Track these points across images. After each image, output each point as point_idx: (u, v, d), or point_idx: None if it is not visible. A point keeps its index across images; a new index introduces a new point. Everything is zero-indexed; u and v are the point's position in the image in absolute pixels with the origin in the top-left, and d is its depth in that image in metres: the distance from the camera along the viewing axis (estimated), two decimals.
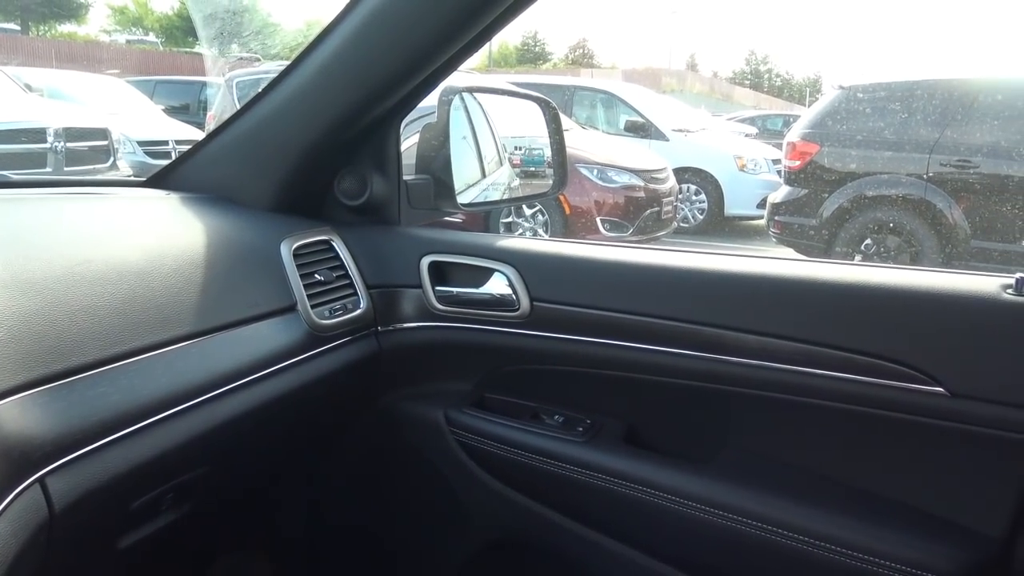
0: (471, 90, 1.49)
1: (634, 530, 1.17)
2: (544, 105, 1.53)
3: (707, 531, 1.08)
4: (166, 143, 8.95)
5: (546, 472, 1.18)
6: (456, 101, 1.40)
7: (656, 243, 7.17)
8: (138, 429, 0.88)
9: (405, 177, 1.34)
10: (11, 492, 0.75)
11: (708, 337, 1.09)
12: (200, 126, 9.74)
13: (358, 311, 1.21)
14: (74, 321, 0.86)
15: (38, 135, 6.84)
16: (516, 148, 1.97)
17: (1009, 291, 0.97)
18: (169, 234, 1.08)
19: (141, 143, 8.65)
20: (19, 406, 0.78)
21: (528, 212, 6.91)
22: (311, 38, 1.20)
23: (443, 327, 1.26)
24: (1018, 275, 0.98)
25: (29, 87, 8.57)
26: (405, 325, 1.27)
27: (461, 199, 1.41)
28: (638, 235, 6.95)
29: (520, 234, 6.82)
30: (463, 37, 1.12)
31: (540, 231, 6.89)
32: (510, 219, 6.96)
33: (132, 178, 1.39)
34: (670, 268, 1.15)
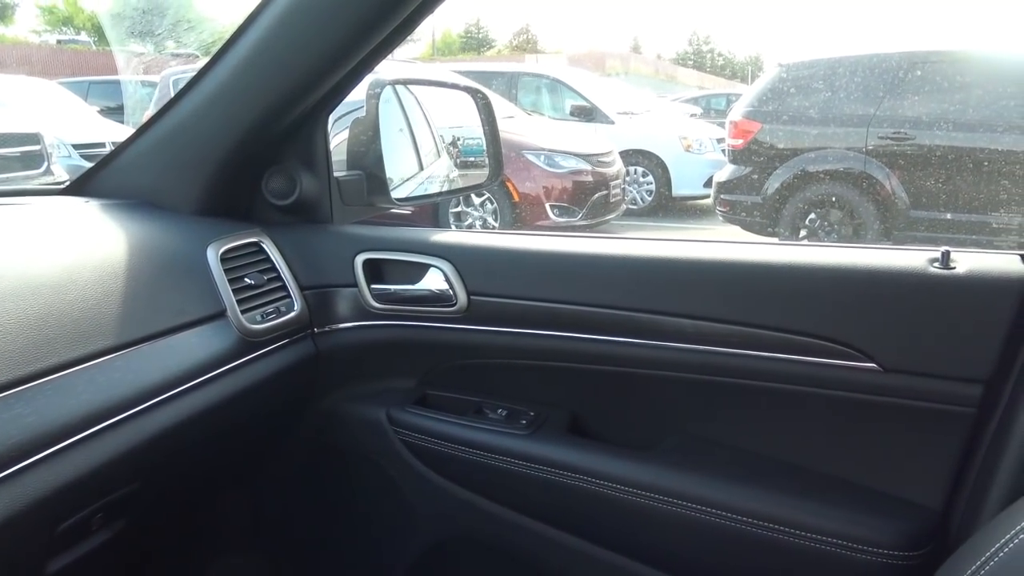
0: (400, 82, 1.46)
1: (581, 521, 1.16)
2: (475, 94, 1.51)
3: (653, 518, 1.08)
4: (103, 145, 8.71)
5: (491, 467, 1.17)
6: (387, 94, 1.37)
7: (605, 227, 7.20)
8: (59, 449, 0.84)
9: (336, 174, 1.31)
10: None
11: (645, 323, 1.08)
12: (136, 127, 9.49)
13: (292, 314, 1.18)
14: None
15: None
16: (454, 138, 1.95)
17: (936, 264, 0.98)
18: (87, 244, 1.04)
19: (76, 146, 8.40)
20: None
21: (477, 201, 6.88)
22: (229, 33, 1.16)
23: (381, 326, 1.23)
24: (943, 249, 0.99)
25: None
26: (342, 325, 1.24)
27: (396, 194, 1.38)
28: (588, 219, 6.97)
29: (469, 224, 6.79)
30: (384, 28, 1.09)
31: (489, 219, 6.87)
32: (459, 208, 6.92)
33: (48, 186, 1.33)
34: (604, 256, 1.14)
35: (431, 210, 6.71)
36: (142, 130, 1.26)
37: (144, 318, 0.99)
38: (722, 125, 8.50)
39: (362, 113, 1.34)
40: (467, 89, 1.53)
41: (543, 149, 7.04)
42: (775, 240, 5.97)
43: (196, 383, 1.01)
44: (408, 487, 1.27)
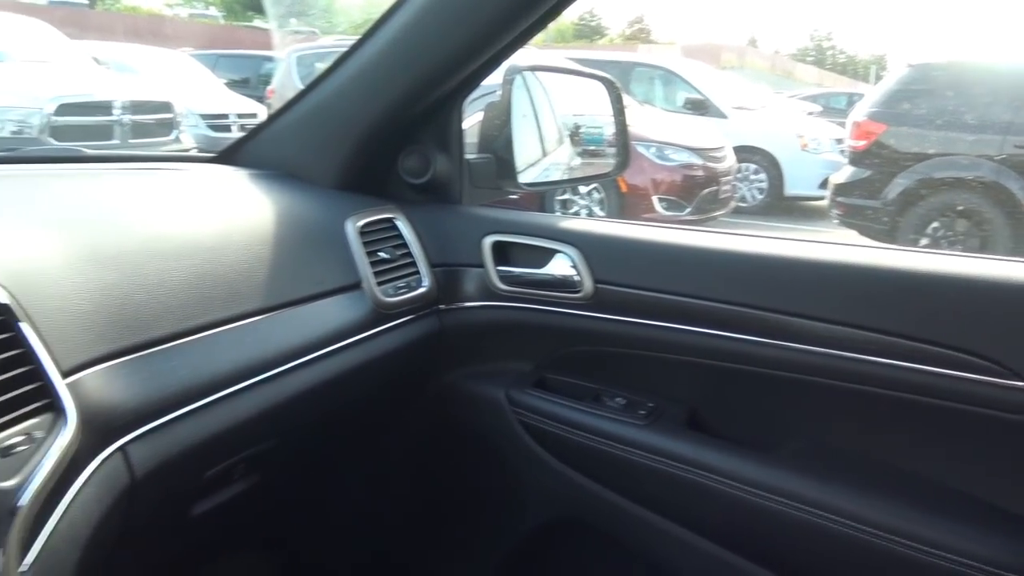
0: (534, 69, 1.48)
1: (694, 514, 1.16)
2: (608, 85, 1.51)
3: (768, 518, 1.07)
4: (227, 116, 9.11)
5: (606, 454, 1.18)
6: (519, 80, 1.40)
7: (713, 224, 7.07)
8: (210, 402, 0.90)
9: (467, 156, 1.35)
10: (96, 458, 0.78)
11: (775, 323, 1.07)
12: (260, 100, 9.87)
13: (421, 289, 1.22)
14: (150, 295, 0.89)
15: (105, 108, 7.02)
16: (576, 126, 1.96)
17: None
18: (238, 210, 1.10)
19: (203, 116, 8.81)
20: (102, 376, 0.81)
21: (584, 190, 6.87)
22: (376, 16, 1.20)
23: (505, 307, 1.26)
24: None
25: (97, 61, 8.79)
26: (467, 304, 1.28)
27: (522, 178, 1.41)
28: (695, 215, 6.86)
29: (575, 212, 6.79)
30: (529, 16, 1.11)
31: (596, 208, 6.85)
32: (565, 196, 6.92)
33: (202, 154, 1.41)
34: (737, 253, 1.13)
35: (538, 197, 6.74)
36: (289, 105, 1.32)
37: (287, 284, 1.05)
38: (842, 125, 8.21)
39: (495, 97, 1.37)
40: (600, 78, 1.54)
41: (654, 141, 6.96)
42: (900, 246, 5.73)
43: (332, 349, 1.06)
44: (522, 467, 1.29)
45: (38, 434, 0.72)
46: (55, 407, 0.74)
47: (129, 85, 7.68)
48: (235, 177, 1.24)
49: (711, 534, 1.16)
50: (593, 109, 1.79)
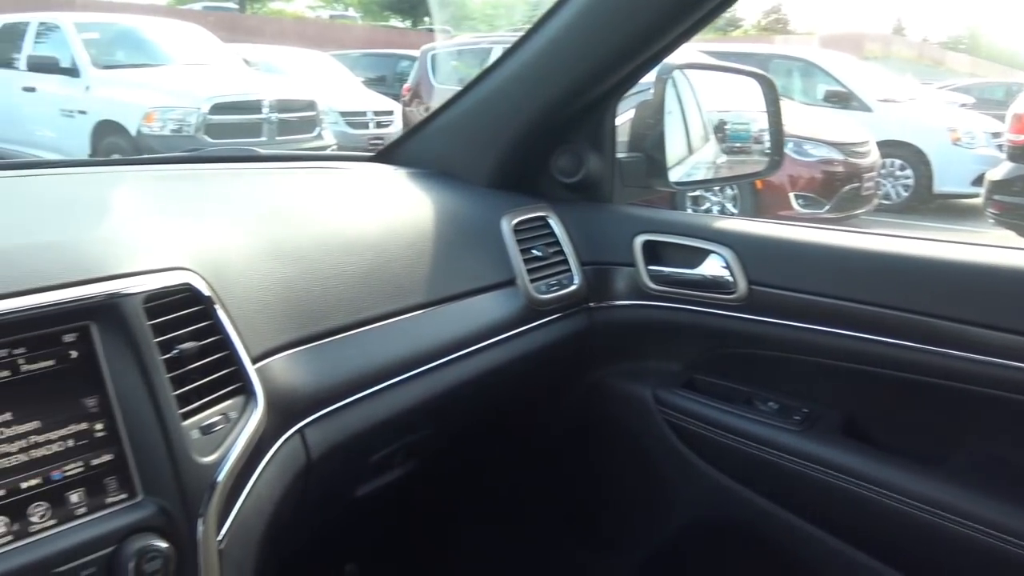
0: (689, 67, 1.46)
1: (848, 524, 1.13)
2: (764, 82, 1.48)
3: (933, 535, 1.02)
4: (364, 114, 9.45)
5: (757, 458, 1.16)
6: (671, 78, 1.39)
7: (854, 223, 6.76)
8: (377, 390, 0.95)
9: (618, 155, 1.35)
10: (279, 439, 0.84)
11: (944, 331, 1.02)
12: (396, 97, 10.17)
13: (572, 287, 1.24)
14: (326, 288, 0.95)
15: (255, 107, 7.44)
16: (720, 123, 1.92)
17: None
18: (401, 208, 1.15)
19: (343, 114, 9.17)
20: (285, 363, 0.86)
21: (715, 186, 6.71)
22: (535, 17, 1.23)
23: (655, 306, 1.26)
24: None
25: (247, 62, 9.31)
26: (617, 303, 1.28)
27: (672, 177, 1.40)
28: (835, 212, 6.58)
29: (707, 208, 6.65)
30: (693, 15, 1.11)
31: (729, 206, 6.68)
32: (697, 192, 6.79)
33: (362, 153, 1.48)
34: (899, 255, 1.09)
35: (669, 194, 6.64)
36: (445, 106, 1.36)
37: (447, 280, 1.09)
38: (998, 117, 7.66)
39: (647, 96, 1.37)
40: (753, 75, 1.51)
41: (792, 136, 6.71)
42: None
43: (488, 343, 1.10)
44: (668, 467, 1.29)
45: (232, 415, 0.78)
46: (246, 391, 0.80)
47: (276, 85, 8.10)
48: (395, 176, 1.29)
49: (865, 546, 1.12)
50: (739, 105, 1.75)
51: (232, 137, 7.04)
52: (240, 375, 0.79)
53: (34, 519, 0.65)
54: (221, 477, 0.74)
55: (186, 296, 0.77)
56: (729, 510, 1.25)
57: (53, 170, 1.14)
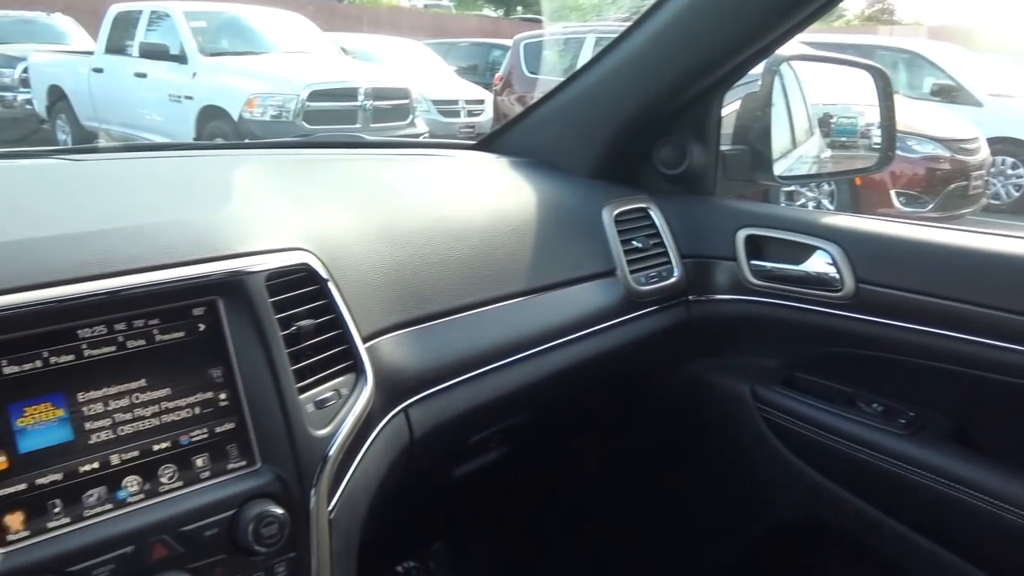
0: (799, 59, 1.43)
1: (955, 534, 1.09)
2: (877, 75, 1.44)
3: None
4: (456, 102, 9.54)
5: (859, 461, 1.14)
6: (780, 70, 1.36)
7: (960, 222, 6.47)
8: (479, 374, 0.97)
9: (721, 147, 1.33)
10: (385, 417, 0.87)
11: None
12: (487, 86, 10.23)
13: (672, 280, 1.23)
14: (432, 272, 0.97)
15: (351, 95, 7.61)
16: (825, 116, 1.87)
17: None
18: (504, 196, 1.17)
19: (435, 102, 9.28)
20: (392, 343, 0.89)
21: None
22: (642, 8, 1.22)
23: (755, 302, 1.24)
24: None
25: (344, 50, 9.52)
26: (717, 297, 1.27)
27: (776, 171, 1.37)
28: (939, 211, 6.31)
29: (802, 204, 6.47)
30: (807, 7, 1.08)
31: (825, 201, 6.49)
32: (792, 187, 6.61)
33: (464, 141, 1.50)
34: (1018, 257, 1.04)
35: (762, 189, 6.48)
36: (549, 95, 1.37)
37: (549, 268, 1.10)
38: None
39: (752, 87, 1.34)
40: (867, 67, 1.46)
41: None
42: None
43: (586, 333, 1.11)
44: (762, 465, 1.27)
45: (344, 391, 0.81)
46: (357, 368, 0.83)
47: (372, 73, 8.26)
48: (497, 164, 1.31)
49: (974, 559, 1.08)
50: (846, 98, 1.70)
51: (328, 124, 7.22)
52: (352, 353, 0.82)
53: (163, 480, 0.70)
54: (333, 450, 0.77)
55: (303, 276, 0.80)
56: (825, 512, 1.22)
57: (173, 152, 1.20)
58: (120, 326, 0.69)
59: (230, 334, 0.74)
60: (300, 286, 0.80)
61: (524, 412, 1.10)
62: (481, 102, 9.76)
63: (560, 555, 1.56)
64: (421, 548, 1.50)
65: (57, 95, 9.08)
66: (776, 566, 1.36)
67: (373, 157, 1.29)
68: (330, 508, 0.78)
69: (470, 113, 9.52)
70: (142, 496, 0.68)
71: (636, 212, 1.25)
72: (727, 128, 1.36)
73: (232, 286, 0.75)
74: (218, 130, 7.41)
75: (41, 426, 0.65)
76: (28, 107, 9.69)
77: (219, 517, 0.70)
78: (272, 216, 0.86)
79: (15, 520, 0.62)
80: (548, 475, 1.47)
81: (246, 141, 1.72)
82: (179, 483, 0.70)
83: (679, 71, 1.20)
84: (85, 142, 8.21)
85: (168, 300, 0.71)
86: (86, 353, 0.67)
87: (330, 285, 0.82)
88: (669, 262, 1.24)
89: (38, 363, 0.65)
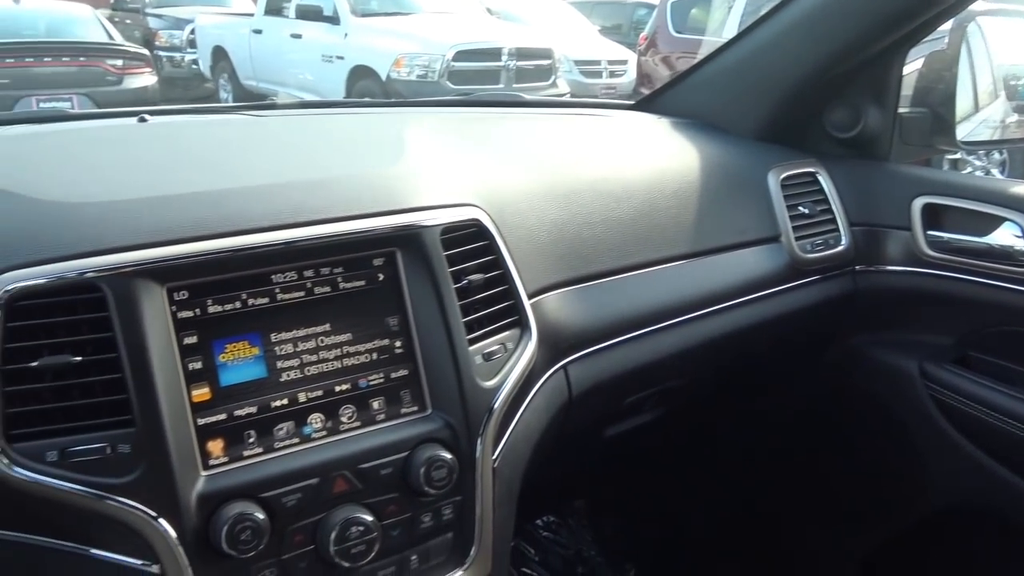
0: (993, 13, 1.32)
1: None
2: None
3: None
4: (599, 62, 9.40)
5: None
6: (971, 28, 1.27)
7: None
8: (638, 336, 0.97)
9: (900, 110, 1.26)
10: (546, 373, 0.88)
11: None
12: (632, 47, 10.03)
13: (839, 248, 1.18)
14: (594, 232, 0.97)
15: (495, 55, 7.64)
16: (1015, 78, 1.73)
17: None
18: (667, 157, 1.15)
19: (577, 62, 9.18)
20: (555, 301, 0.90)
21: None
22: None
23: (931, 275, 1.17)
24: None
25: (489, 10, 9.55)
26: (887, 268, 1.21)
27: (958, 135, 1.29)
28: None
29: (970, 172, 6.02)
30: None
31: (994, 171, 6.01)
32: (958, 155, 6.16)
33: (622, 101, 1.48)
34: None
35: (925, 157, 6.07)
36: (713, 55, 1.33)
37: (711, 231, 1.08)
38: None
39: (937, 45, 1.26)
40: None
41: None
42: None
43: (746, 299, 1.08)
44: (928, 446, 1.21)
45: (509, 345, 0.83)
46: (521, 324, 0.84)
47: (515, 33, 8.26)
48: (658, 124, 1.29)
49: None
50: None
51: (472, 84, 7.29)
52: (517, 309, 0.84)
53: (343, 419, 0.74)
54: (499, 402, 0.79)
55: (474, 231, 0.82)
56: (994, 497, 1.16)
57: (343, 110, 1.25)
58: (308, 273, 0.73)
59: (407, 284, 0.77)
60: (471, 241, 0.82)
61: (680, 376, 1.09)
62: (624, 62, 9.57)
63: (700, 522, 1.55)
64: (562, 503, 1.52)
65: (220, 55, 9.59)
66: (933, 550, 1.30)
67: (535, 116, 1.29)
68: (494, 457, 0.80)
69: (612, 74, 9.37)
70: (325, 433, 0.73)
71: (804, 176, 1.20)
72: (906, 89, 1.28)
73: (410, 238, 0.77)
74: (366, 89, 7.63)
75: (239, 363, 0.70)
76: (194, 67, 10.30)
77: (393, 458, 0.73)
78: (444, 172, 0.88)
79: (216, 447, 0.68)
80: (698, 441, 1.46)
81: (411, 99, 1.77)
82: (357, 423, 0.74)
83: (859, 29, 1.13)
84: (244, 100, 8.65)
85: (352, 250, 0.75)
86: (279, 297, 0.72)
87: (498, 241, 0.84)
88: (837, 229, 1.19)
89: (237, 304, 0.70)
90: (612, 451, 1.19)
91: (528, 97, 1.42)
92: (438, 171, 0.88)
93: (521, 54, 7.75)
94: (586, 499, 1.60)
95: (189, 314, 0.68)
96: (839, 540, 1.38)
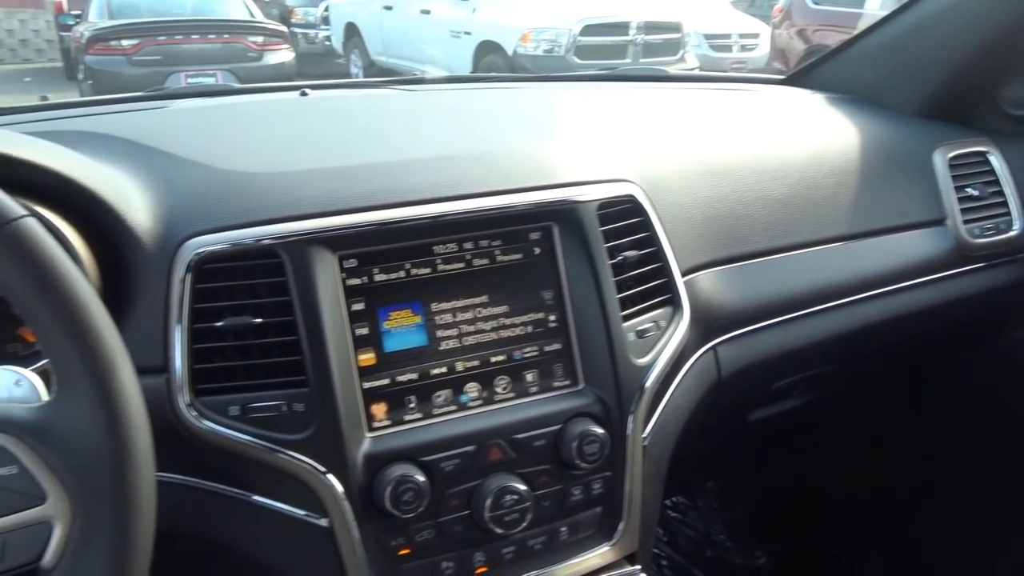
0: None
1: None
2: None
3: None
4: (729, 36, 9.09)
5: None
6: None
7: None
8: (790, 319, 0.94)
9: None
10: (697, 353, 0.87)
11: None
12: (765, 19, 9.66)
13: (1011, 233, 1.11)
14: (747, 210, 0.94)
15: (622, 29, 7.52)
16: None
17: None
18: (823, 134, 1.10)
19: (707, 36, 8.91)
20: (707, 280, 0.89)
21: None
22: None
23: None
24: None
25: None
26: None
27: None
28: None
29: None
30: None
31: None
32: None
33: (771, 76, 1.43)
34: None
35: None
36: (873, 28, 1.26)
37: (871, 213, 1.03)
38: None
39: None
40: None
41: None
42: None
43: (907, 285, 1.03)
44: None
45: (662, 324, 0.82)
46: (674, 302, 0.83)
47: (644, 6, 8.09)
48: (812, 100, 1.24)
49: None
50: None
51: (599, 58, 7.20)
52: (671, 287, 0.83)
53: (498, 390, 0.75)
54: (651, 380, 0.79)
55: (629, 207, 0.82)
56: None
57: (486, 84, 1.26)
58: (468, 245, 0.75)
59: (562, 259, 0.77)
60: (626, 217, 0.81)
61: (832, 362, 1.05)
62: (756, 36, 9.22)
63: (840, 519, 1.49)
64: (695, 484, 1.51)
65: (352, 32, 9.86)
66: None
67: (681, 91, 1.27)
68: (644, 435, 0.80)
69: (743, 48, 9.04)
70: (480, 402, 0.74)
71: (973, 156, 1.13)
72: None
73: (567, 213, 0.78)
74: (492, 64, 7.67)
75: (402, 330, 0.72)
76: (327, 43, 10.64)
77: (547, 430, 0.74)
78: (599, 147, 0.88)
79: (379, 410, 0.71)
80: (844, 431, 1.40)
81: (555, 74, 1.77)
82: (511, 394, 0.75)
83: None
84: (374, 76, 8.87)
85: (510, 223, 0.76)
86: (440, 268, 0.74)
87: (653, 217, 0.83)
88: (1008, 213, 1.12)
89: (401, 273, 0.72)
90: (754, 434, 1.17)
91: (672, 71, 1.39)
92: (593, 146, 0.88)
93: (649, 27, 7.59)
94: (717, 481, 1.57)
95: (357, 282, 0.71)
96: (993, 544, 1.31)
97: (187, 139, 0.85)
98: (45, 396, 0.50)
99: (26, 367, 0.57)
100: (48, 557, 0.45)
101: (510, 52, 7.47)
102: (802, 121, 1.14)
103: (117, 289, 0.67)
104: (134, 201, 0.69)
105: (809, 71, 1.36)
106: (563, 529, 0.76)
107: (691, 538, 1.55)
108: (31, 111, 1.02)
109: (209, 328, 0.67)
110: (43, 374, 0.52)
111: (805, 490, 1.49)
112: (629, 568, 0.80)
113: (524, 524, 0.72)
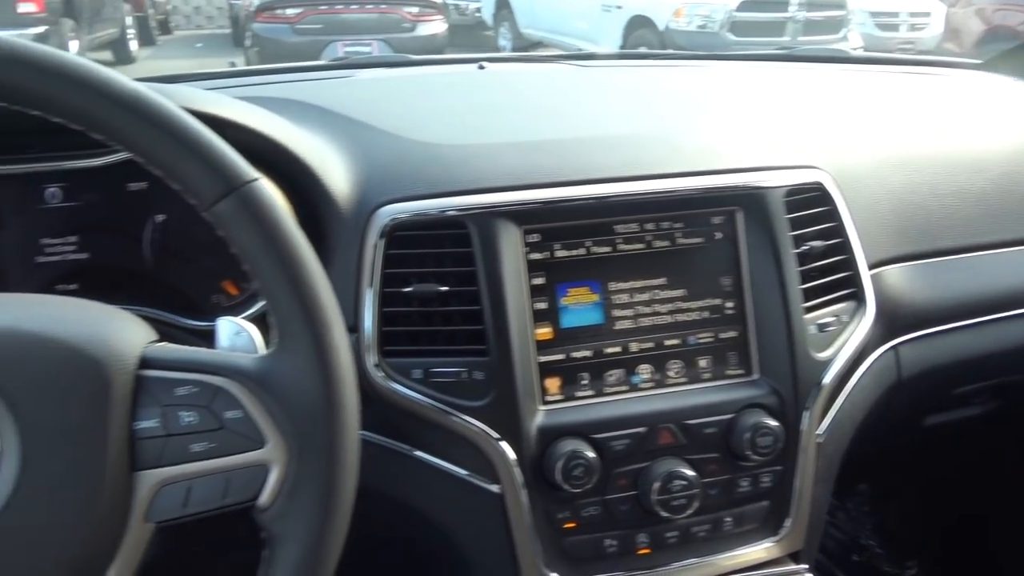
0: None
1: None
2: None
3: None
4: (896, 15, 8.55)
5: None
6: None
7: None
8: (981, 322, 0.88)
9: None
10: (877, 351, 0.83)
11: None
12: None
13: None
14: (942, 204, 0.89)
15: (782, 5, 7.20)
16: None
17: None
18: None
19: (873, 14, 8.41)
20: (894, 275, 0.84)
21: None
22: None
23: None
24: None
25: None
26: None
27: None
28: None
29: None
30: None
31: None
32: None
33: (966, 60, 1.34)
34: None
35: None
36: None
37: None
38: None
39: None
40: None
41: None
42: None
43: None
44: None
45: (844, 318, 0.79)
46: (858, 297, 0.80)
47: None
48: (1016, 87, 1.14)
49: None
50: None
51: (755, 36, 6.93)
52: (856, 280, 0.80)
53: (671, 373, 0.74)
54: (829, 376, 0.76)
55: (816, 195, 0.79)
56: None
57: (660, 62, 1.23)
58: (649, 226, 0.74)
59: (745, 245, 0.75)
60: (813, 205, 0.78)
61: (1019, 372, 0.98)
62: (927, 15, 8.62)
63: (1006, 537, 1.39)
64: (846, 486, 1.44)
65: (503, 4, 9.91)
66: None
67: (867, 74, 1.20)
68: (819, 432, 0.77)
69: (912, 27, 8.48)
70: (652, 384, 0.74)
71: None
72: None
73: (752, 199, 0.75)
74: (642, 39, 7.52)
75: (579, 307, 0.72)
76: (477, 15, 10.75)
77: (718, 418, 0.73)
78: (787, 131, 0.85)
79: (553, 384, 0.72)
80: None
81: (727, 53, 1.73)
82: (684, 379, 0.75)
83: None
84: (523, 49, 8.90)
85: (693, 206, 0.75)
86: (619, 247, 0.73)
87: (841, 207, 0.79)
88: None
89: (582, 251, 0.72)
90: (923, 439, 1.11)
91: (853, 52, 1.31)
92: (780, 130, 0.85)
93: (811, 4, 7.23)
94: (870, 484, 1.50)
95: (539, 256, 0.71)
96: None
97: (375, 108, 0.87)
98: (261, 345, 0.53)
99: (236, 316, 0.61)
100: (264, 497, 0.48)
101: (661, 27, 7.31)
102: (1007, 110, 1.06)
103: (315, 251, 0.70)
104: (333, 167, 0.73)
105: (1010, 56, 1.26)
106: (728, 519, 0.75)
107: (838, 540, 1.49)
108: (223, 77, 1.09)
109: (397, 293, 0.69)
110: (258, 323, 0.55)
111: (973, 504, 1.40)
112: (794, 566, 0.78)
113: (690, 511, 0.71)
